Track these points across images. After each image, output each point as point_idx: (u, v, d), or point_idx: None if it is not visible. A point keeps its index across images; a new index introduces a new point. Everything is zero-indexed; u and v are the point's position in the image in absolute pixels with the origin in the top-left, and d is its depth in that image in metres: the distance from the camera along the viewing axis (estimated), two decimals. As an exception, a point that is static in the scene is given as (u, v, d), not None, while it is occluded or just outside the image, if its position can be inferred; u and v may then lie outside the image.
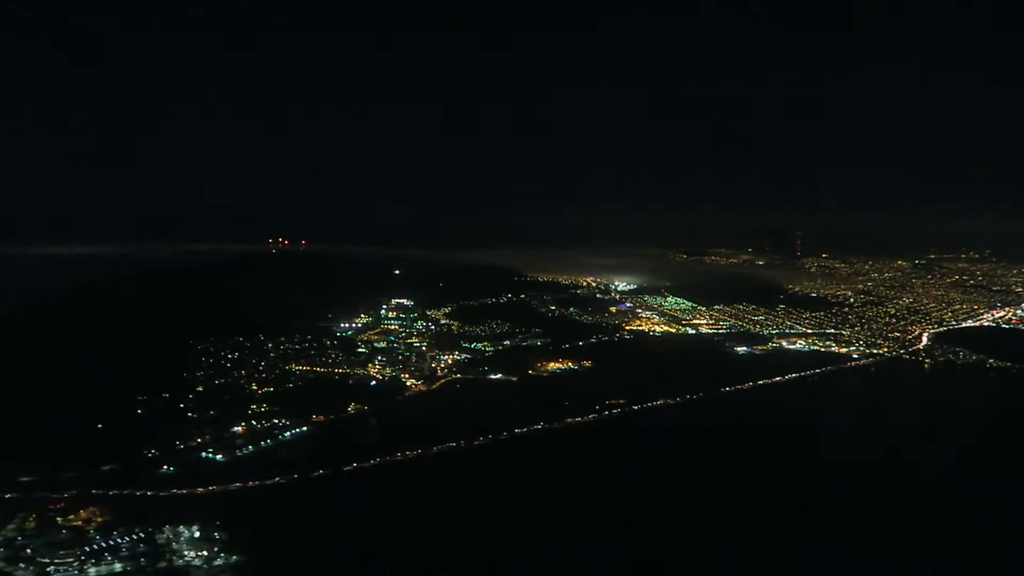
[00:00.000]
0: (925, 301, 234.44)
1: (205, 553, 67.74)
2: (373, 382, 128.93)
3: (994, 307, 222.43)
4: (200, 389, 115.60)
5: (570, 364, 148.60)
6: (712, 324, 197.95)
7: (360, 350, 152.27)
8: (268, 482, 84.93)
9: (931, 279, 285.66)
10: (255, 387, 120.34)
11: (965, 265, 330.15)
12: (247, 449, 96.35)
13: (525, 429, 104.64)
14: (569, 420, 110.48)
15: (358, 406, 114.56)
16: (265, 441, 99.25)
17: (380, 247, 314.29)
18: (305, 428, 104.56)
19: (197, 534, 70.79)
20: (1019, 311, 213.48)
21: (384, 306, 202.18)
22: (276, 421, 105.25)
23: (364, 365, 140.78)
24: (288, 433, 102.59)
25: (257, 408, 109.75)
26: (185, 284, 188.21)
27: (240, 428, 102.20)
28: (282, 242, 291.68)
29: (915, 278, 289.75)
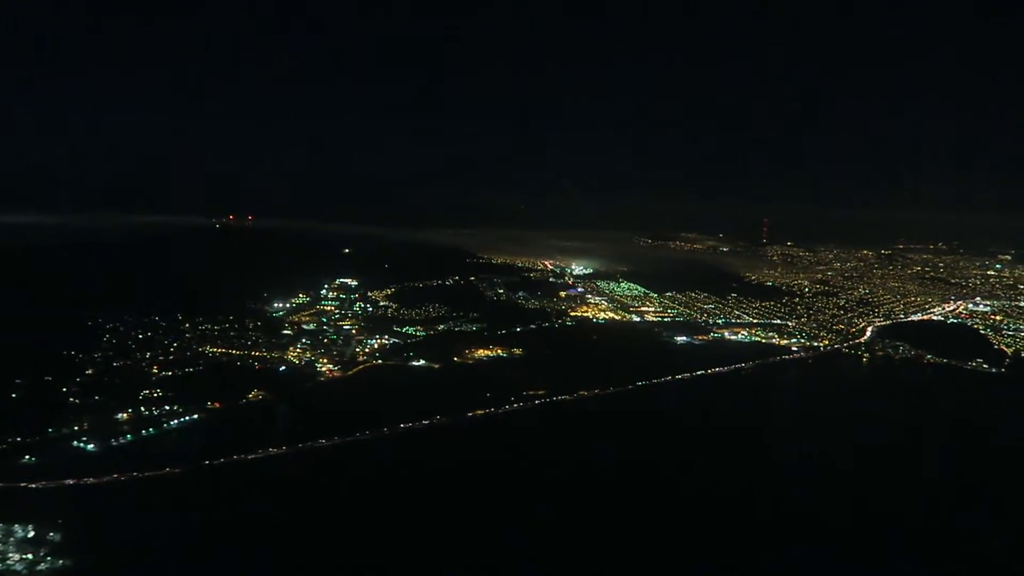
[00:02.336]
0: (880, 292, 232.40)
1: (30, 556, 63.07)
2: (283, 367, 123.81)
3: (947, 300, 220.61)
4: (90, 372, 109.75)
5: (500, 351, 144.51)
6: (659, 312, 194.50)
7: (285, 332, 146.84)
8: (131, 476, 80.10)
9: (892, 270, 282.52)
10: (156, 370, 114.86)
11: (930, 256, 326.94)
12: (125, 439, 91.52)
13: (410, 424, 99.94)
14: (478, 412, 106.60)
15: (260, 393, 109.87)
16: (148, 430, 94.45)
17: (337, 224, 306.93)
18: (196, 416, 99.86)
19: (31, 534, 66.02)
20: (970, 305, 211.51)
21: (326, 286, 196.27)
22: (167, 408, 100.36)
23: (285, 348, 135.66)
24: (176, 421, 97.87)
25: (150, 393, 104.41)
26: (111, 258, 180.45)
27: (125, 415, 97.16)
28: (229, 217, 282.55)
29: (877, 268, 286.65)
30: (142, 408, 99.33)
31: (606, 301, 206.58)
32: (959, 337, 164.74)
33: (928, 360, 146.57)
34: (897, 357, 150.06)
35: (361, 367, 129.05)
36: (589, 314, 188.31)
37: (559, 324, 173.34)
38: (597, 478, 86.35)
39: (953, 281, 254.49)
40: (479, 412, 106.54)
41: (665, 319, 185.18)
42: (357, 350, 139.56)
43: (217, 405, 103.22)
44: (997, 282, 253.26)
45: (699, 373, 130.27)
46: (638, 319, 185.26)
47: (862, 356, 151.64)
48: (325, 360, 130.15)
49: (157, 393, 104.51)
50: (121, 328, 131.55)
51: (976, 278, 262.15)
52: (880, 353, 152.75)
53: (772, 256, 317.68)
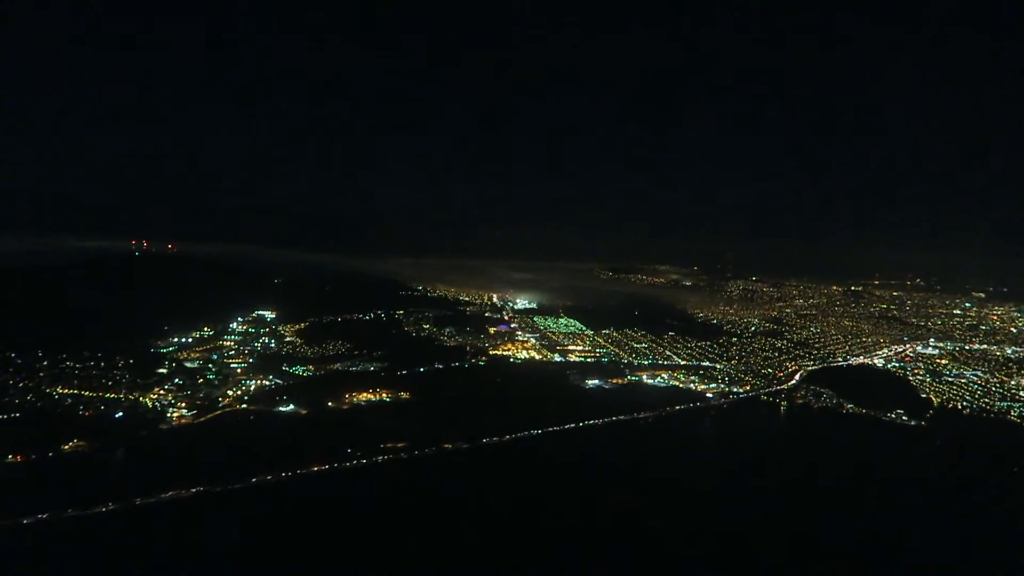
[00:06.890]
0: (831, 332, 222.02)
1: None
2: (120, 413, 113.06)
3: (899, 341, 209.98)
4: None
5: (385, 395, 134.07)
6: (586, 351, 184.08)
7: (160, 371, 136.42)
8: None
9: (854, 308, 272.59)
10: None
11: (898, 294, 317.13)
12: None
13: (207, 488, 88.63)
14: (312, 469, 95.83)
15: (79, 443, 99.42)
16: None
17: (283, 251, 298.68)
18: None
19: None
20: (919, 347, 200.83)
21: (239, 318, 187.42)
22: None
23: (148, 389, 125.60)
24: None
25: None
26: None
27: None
28: (143, 243, 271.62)
29: (839, 305, 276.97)
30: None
31: (535, 338, 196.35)
32: (888, 385, 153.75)
33: (848, 410, 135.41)
34: (816, 406, 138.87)
35: (218, 412, 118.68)
36: (510, 353, 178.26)
37: (470, 364, 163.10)
38: (398, 550, 75.74)
39: (912, 321, 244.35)
40: (312, 469, 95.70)
41: (588, 359, 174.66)
42: (229, 392, 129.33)
43: (18, 459, 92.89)
44: (959, 322, 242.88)
45: (587, 423, 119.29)
46: (560, 359, 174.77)
47: (780, 404, 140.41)
48: (182, 404, 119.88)
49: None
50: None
51: (939, 317, 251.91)
52: (800, 401, 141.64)
53: (732, 291, 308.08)
